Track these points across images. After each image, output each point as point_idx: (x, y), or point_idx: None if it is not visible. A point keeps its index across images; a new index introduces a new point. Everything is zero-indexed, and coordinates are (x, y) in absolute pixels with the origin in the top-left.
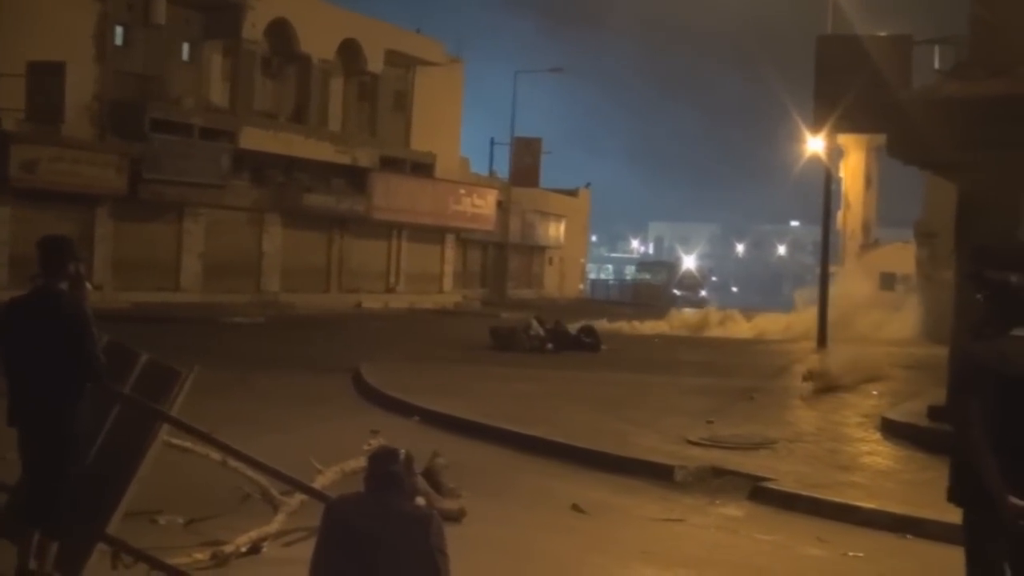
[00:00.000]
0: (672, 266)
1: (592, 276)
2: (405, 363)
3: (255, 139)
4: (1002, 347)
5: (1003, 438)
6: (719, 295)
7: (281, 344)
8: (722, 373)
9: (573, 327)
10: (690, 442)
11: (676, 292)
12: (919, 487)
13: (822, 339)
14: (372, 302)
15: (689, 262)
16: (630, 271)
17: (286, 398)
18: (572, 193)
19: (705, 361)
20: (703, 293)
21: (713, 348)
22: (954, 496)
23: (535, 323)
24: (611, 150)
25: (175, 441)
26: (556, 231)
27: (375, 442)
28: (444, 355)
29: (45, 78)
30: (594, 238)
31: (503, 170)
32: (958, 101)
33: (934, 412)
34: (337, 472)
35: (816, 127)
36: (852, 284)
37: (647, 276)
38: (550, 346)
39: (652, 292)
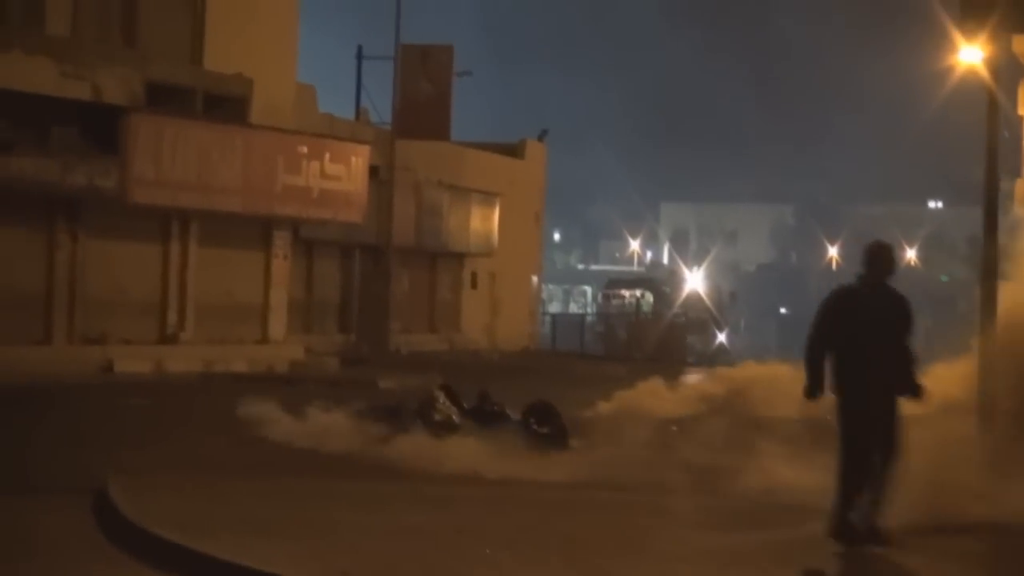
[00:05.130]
0: (662, 285)
1: (555, 308)
2: (193, 475)
3: None
4: None
5: None
6: (759, 336)
7: None
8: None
9: (517, 408)
10: None
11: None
12: None
13: (986, 411)
14: (132, 362)
15: (695, 280)
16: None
17: None
18: (513, 151)
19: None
20: (720, 336)
21: (775, 436)
22: None
23: (441, 397)
24: (589, 75)
25: None
26: (484, 223)
27: None
28: (270, 458)
29: None
30: (557, 236)
31: (383, 112)
32: None
33: None
34: None
35: (970, 22)
36: None
37: (620, 303)
38: (468, 438)
39: (639, 330)
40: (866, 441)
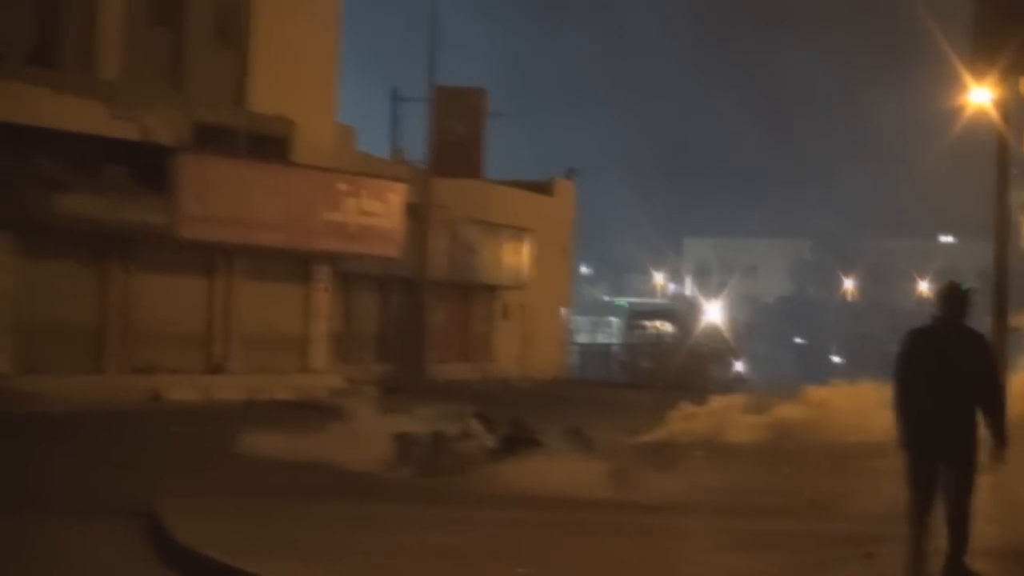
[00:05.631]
0: (682, 316)
1: (583, 338)
2: (239, 499)
3: None
4: None
5: None
6: (775, 365)
7: (13, 466)
8: (808, 512)
9: (548, 434)
10: None
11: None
12: None
13: (998, 438)
14: (180, 390)
15: (714, 311)
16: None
17: (18, 570)
18: (544, 189)
19: (780, 488)
20: (738, 366)
21: (795, 461)
22: None
23: (475, 425)
24: (615, 114)
25: None
26: (515, 257)
27: None
28: (310, 482)
29: None
30: (585, 269)
31: (418, 151)
32: None
33: None
34: None
35: (980, 63)
36: None
37: (641, 333)
38: (503, 464)
39: (662, 360)
40: (934, 478)
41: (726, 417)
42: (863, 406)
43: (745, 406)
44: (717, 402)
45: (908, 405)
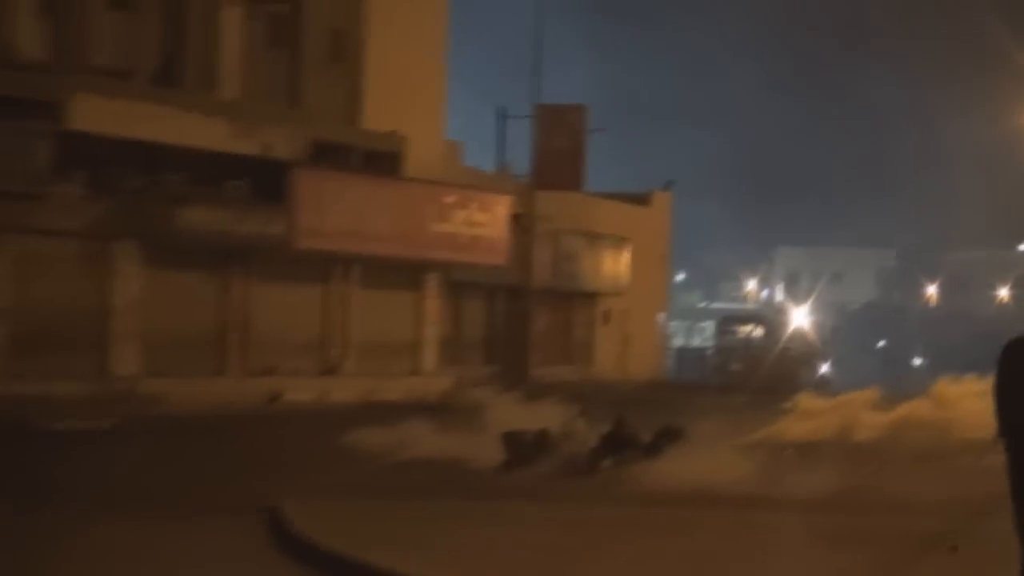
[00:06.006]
0: (773, 321)
1: (679, 342)
2: (356, 496)
3: (95, 114)
4: None
5: None
6: (859, 368)
7: (142, 465)
8: (890, 505)
9: (649, 433)
10: None
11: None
12: None
13: None
14: (298, 392)
15: (800, 316)
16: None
17: (152, 564)
18: (642, 200)
19: (862, 485)
20: (824, 368)
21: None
22: None
23: (580, 424)
24: (707, 131)
25: None
26: (615, 266)
27: None
28: (424, 480)
29: None
30: (681, 276)
31: (521, 164)
32: None
33: None
34: None
35: None
36: None
37: (732, 337)
38: (607, 462)
39: (751, 363)
40: None
41: (850, 413)
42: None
43: (870, 402)
44: (840, 398)
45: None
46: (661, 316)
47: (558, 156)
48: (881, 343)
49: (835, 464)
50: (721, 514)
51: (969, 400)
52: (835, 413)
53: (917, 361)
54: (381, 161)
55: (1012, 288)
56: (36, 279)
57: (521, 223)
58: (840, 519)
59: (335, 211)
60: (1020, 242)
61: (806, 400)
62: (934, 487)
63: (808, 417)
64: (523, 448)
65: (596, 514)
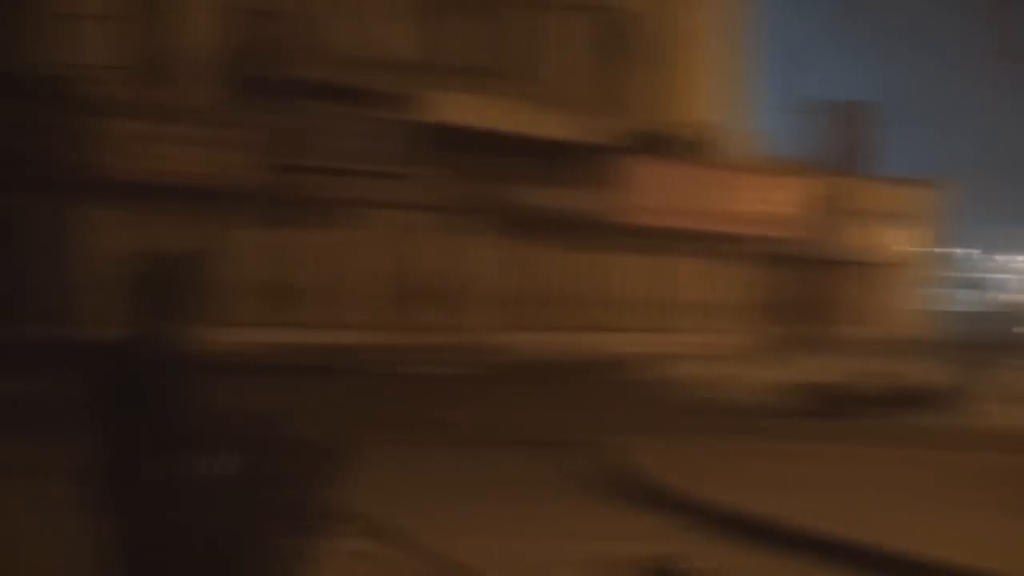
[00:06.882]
0: None
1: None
2: (672, 437)
3: (453, 107)
4: None
5: None
6: None
7: (491, 406)
8: None
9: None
10: None
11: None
12: None
13: None
14: (628, 345)
15: None
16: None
17: (502, 483)
18: (918, 184)
19: None
20: None
21: None
22: None
23: (875, 374)
24: (965, 126)
25: None
26: (893, 240)
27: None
28: (729, 424)
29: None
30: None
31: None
32: None
33: None
34: None
35: None
36: None
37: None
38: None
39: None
40: None
41: None
42: None
43: None
44: None
45: None
46: (933, 279)
47: (848, 145)
48: None
49: None
50: None
51: None
52: None
53: None
54: (693, 147)
55: None
56: (406, 246)
57: (815, 203)
58: None
59: (653, 191)
60: None
61: None
62: None
63: None
64: (827, 396)
65: (905, 453)
